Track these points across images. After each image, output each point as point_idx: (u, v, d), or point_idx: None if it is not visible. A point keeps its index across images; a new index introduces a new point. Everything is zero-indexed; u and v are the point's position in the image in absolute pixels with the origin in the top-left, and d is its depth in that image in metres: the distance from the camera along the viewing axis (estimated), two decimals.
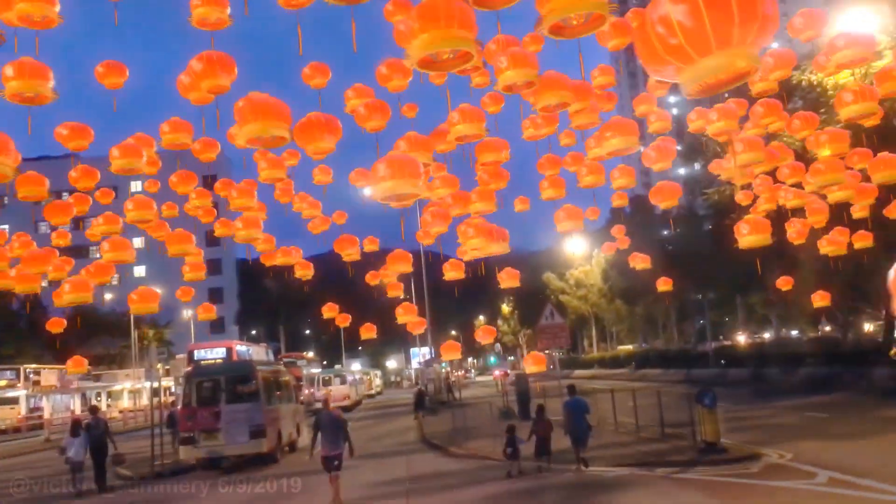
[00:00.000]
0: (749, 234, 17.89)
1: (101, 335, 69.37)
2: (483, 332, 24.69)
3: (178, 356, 27.95)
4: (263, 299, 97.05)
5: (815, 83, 26.23)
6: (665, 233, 49.26)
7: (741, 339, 62.96)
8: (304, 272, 25.19)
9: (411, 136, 14.04)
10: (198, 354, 38.50)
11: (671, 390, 20.34)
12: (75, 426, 16.88)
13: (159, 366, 21.55)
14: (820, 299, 29.21)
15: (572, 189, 18.23)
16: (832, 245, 22.39)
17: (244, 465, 19.54)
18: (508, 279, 22.27)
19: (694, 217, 45.35)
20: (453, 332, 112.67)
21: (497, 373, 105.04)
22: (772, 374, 32.25)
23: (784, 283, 29.83)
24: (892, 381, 25.77)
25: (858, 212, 21.04)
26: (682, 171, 48.36)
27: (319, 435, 12.99)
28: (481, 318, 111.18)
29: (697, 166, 41.74)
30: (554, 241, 71.60)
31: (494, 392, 44.85)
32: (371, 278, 26.49)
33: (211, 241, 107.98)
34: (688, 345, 55.86)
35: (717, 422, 14.80)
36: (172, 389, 58.04)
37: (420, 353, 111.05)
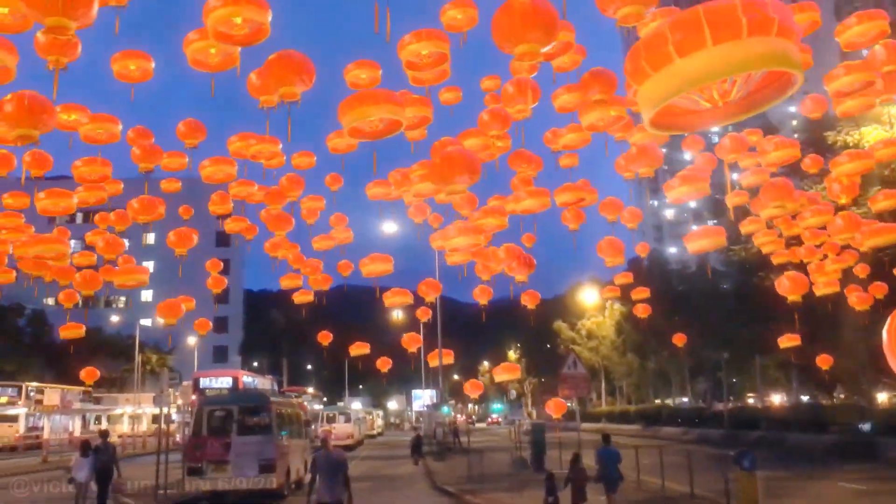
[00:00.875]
0: (791, 291, 17.62)
1: (103, 357, 68.79)
2: (504, 369, 23.99)
3: (184, 383, 27.27)
4: (268, 331, 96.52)
5: (850, 143, 26.04)
6: (681, 288, 48.70)
7: (751, 401, 61.92)
8: (304, 297, 24.64)
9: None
10: (203, 383, 37.98)
11: (698, 449, 19.55)
12: (85, 447, 16.47)
13: (171, 391, 20.90)
14: (823, 362, 28.76)
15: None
16: (859, 299, 21.77)
17: (250, 499, 18.80)
18: (531, 300, 22.18)
19: (714, 274, 44.79)
20: (455, 377, 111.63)
21: (492, 418, 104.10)
22: (794, 438, 31.30)
23: (790, 339, 29.25)
24: None
25: None
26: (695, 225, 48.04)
27: (318, 478, 11.09)
28: (486, 363, 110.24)
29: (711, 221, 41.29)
30: (566, 289, 71.25)
31: (500, 439, 43.94)
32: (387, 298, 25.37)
33: (220, 270, 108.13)
34: (700, 403, 54.86)
35: (756, 487, 14.02)
36: (173, 417, 57.22)
37: (422, 396, 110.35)
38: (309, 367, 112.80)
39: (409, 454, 33.15)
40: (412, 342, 30.61)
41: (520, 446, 27.19)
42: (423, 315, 25.26)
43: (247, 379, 40.52)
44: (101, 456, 16.41)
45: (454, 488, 20.94)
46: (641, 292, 30.46)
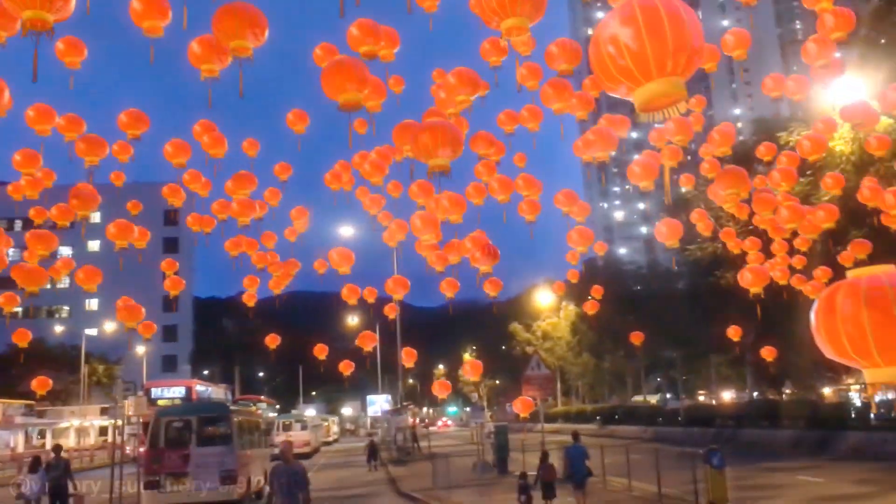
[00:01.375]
0: (753, 283, 17.94)
1: (45, 369, 66.59)
2: (471, 367, 23.73)
3: (138, 394, 26.37)
4: (219, 339, 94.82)
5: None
6: (637, 288, 49.32)
7: (701, 398, 63.05)
8: (250, 298, 24.14)
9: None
10: (155, 393, 36.77)
11: (661, 448, 19.61)
12: (35, 463, 16.21)
13: (126, 402, 20.17)
14: (767, 354, 29.32)
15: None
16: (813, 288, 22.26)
17: None
18: (493, 287, 21.90)
19: (669, 274, 45.46)
20: (410, 381, 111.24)
21: (442, 421, 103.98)
22: (750, 434, 31.82)
23: (735, 332, 29.62)
24: (871, 445, 25.52)
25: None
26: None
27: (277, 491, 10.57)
28: (441, 366, 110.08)
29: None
30: (521, 291, 71.44)
31: (458, 442, 43.68)
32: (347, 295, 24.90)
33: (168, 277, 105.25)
34: (655, 402, 55.57)
35: (725, 484, 14.14)
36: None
37: (377, 401, 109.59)
38: (260, 374, 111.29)
39: (359, 461, 32.74)
40: (368, 340, 30.12)
41: (482, 449, 26.99)
42: (391, 311, 24.77)
43: (200, 388, 39.49)
44: (53, 472, 16.00)
45: (421, 494, 20.67)
46: (597, 291, 30.76)
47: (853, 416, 29.42)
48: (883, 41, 24.92)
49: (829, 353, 5.86)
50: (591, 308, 27.14)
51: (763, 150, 20.13)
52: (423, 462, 33.40)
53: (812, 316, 6.03)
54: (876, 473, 20.63)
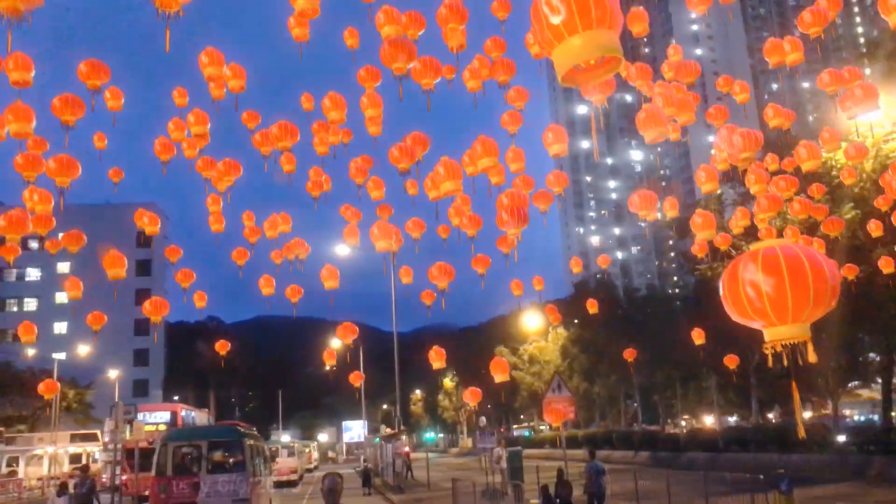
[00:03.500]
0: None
1: (12, 394, 64.06)
2: (471, 395, 22.77)
3: (137, 418, 24.79)
4: (192, 364, 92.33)
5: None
6: (635, 315, 48.67)
7: (690, 423, 62.51)
8: (223, 347, 23.50)
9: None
10: (139, 418, 35.13)
11: (683, 476, 18.84)
12: (63, 487, 17.36)
13: (128, 429, 18.78)
14: (730, 362, 29.04)
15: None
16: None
17: None
18: (437, 358, 21.47)
19: (665, 298, 44.99)
20: (385, 406, 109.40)
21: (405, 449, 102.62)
22: (760, 459, 31.01)
23: (730, 361, 29.33)
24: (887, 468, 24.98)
25: None
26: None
27: None
28: (417, 392, 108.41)
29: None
30: (506, 312, 70.50)
31: (446, 469, 42.28)
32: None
33: (140, 299, 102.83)
34: (650, 426, 54.83)
35: None
36: (96, 456, 53.31)
37: (353, 427, 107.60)
38: (232, 399, 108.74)
39: (350, 489, 31.85)
40: (356, 378, 29.33)
41: (493, 474, 25.89)
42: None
43: (185, 413, 37.89)
44: (80, 489, 17.10)
45: None
46: (592, 305, 30.13)
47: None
48: None
49: (733, 316, 6.51)
50: (591, 306, 26.46)
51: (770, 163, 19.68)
52: (421, 489, 32.20)
53: (720, 284, 6.65)
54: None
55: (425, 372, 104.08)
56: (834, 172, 26.29)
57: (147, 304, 16.37)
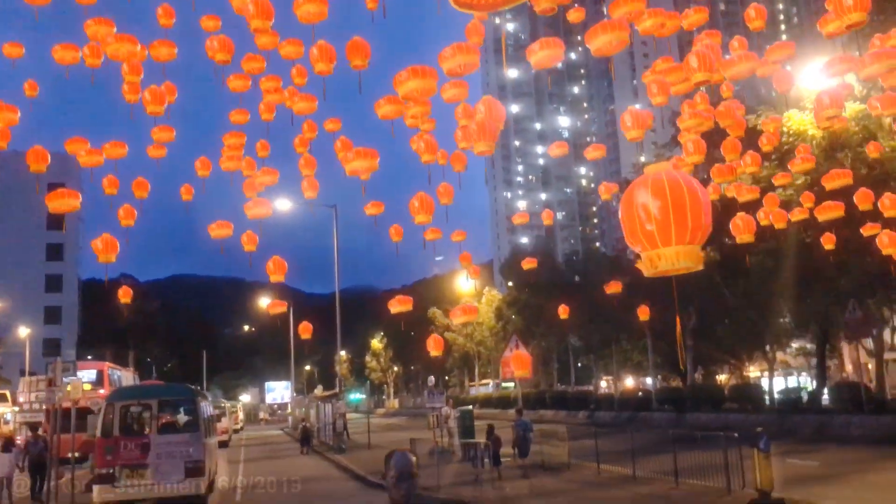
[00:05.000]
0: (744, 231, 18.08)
1: None
2: (462, 311, 22.05)
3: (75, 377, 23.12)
4: (108, 323, 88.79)
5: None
6: (577, 279, 49.02)
7: (603, 384, 64.00)
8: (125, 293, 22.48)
9: None
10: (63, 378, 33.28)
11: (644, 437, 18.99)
12: (6, 444, 17.89)
13: (69, 386, 17.48)
14: (641, 314, 29.60)
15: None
16: None
17: None
18: (400, 305, 21.05)
19: (606, 259, 45.41)
20: (307, 367, 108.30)
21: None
22: (695, 419, 31.83)
23: (642, 313, 29.61)
24: (820, 426, 25.91)
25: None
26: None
27: None
28: (342, 353, 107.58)
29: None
30: (440, 273, 70.35)
31: (380, 431, 41.81)
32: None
33: (51, 255, 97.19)
34: (589, 385, 55.84)
35: (770, 468, 13.32)
36: (7, 417, 50.58)
37: (276, 388, 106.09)
38: (148, 360, 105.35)
39: (285, 449, 34.80)
40: (305, 330, 28.27)
41: (442, 435, 25.59)
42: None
43: (111, 372, 36.15)
44: (33, 449, 17.78)
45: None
46: (530, 262, 29.93)
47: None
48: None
49: (628, 240, 6.83)
50: (519, 290, 25.78)
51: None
52: (360, 449, 31.68)
53: (619, 208, 7.00)
54: (849, 454, 20.66)
55: (350, 333, 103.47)
56: (784, 138, 26.65)
57: (98, 243, 14.89)
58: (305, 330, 25.14)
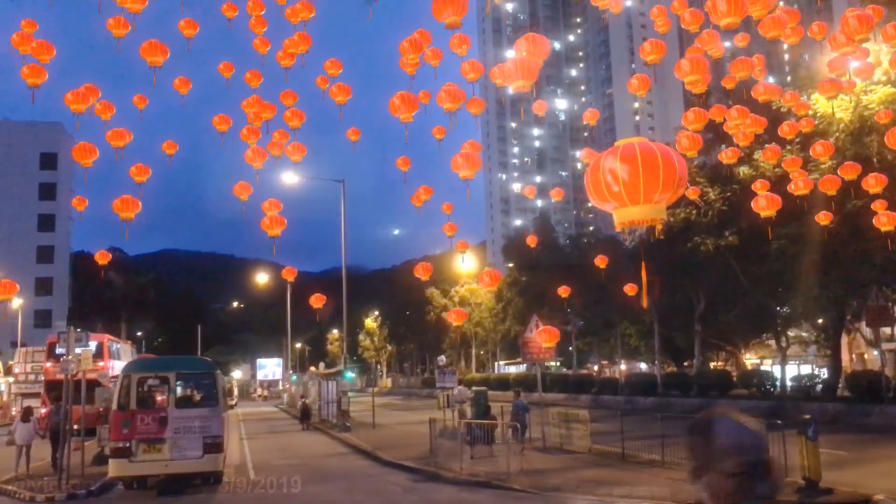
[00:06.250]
0: (767, 208, 17.62)
1: None
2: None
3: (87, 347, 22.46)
4: (100, 295, 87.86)
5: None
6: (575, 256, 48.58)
7: (603, 369, 63.92)
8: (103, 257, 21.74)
9: None
10: (59, 349, 32.61)
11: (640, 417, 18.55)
12: (26, 413, 18.63)
13: (81, 356, 16.87)
14: (629, 290, 29.16)
15: None
16: None
17: (182, 483, 15.49)
18: (425, 273, 21.47)
19: (613, 241, 44.94)
20: (298, 345, 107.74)
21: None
22: (702, 404, 31.54)
23: (630, 289, 29.11)
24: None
25: None
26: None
27: None
28: (335, 332, 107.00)
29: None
30: (439, 252, 69.67)
31: (363, 409, 41.30)
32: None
33: (43, 226, 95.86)
34: (583, 370, 55.58)
35: (818, 456, 12.93)
36: (1, 388, 49.94)
37: (267, 365, 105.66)
38: (139, 333, 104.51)
39: (285, 425, 35.33)
40: (318, 300, 27.66)
41: (453, 415, 25.13)
42: (289, 274, 22.15)
43: (110, 344, 35.55)
44: (55, 418, 18.55)
45: (415, 463, 18.64)
46: (532, 240, 29.64)
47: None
48: None
49: (593, 200, 7.64)
50: (520, 271, 24.87)
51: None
52: (364, 428, 31.24)
53: (585, 176, 7.68)
54: (876, 443, 20.38)
55: (334, 313, 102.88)
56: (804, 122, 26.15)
57: (118, 202, 14.07)
58: (318, 300, 24.56)
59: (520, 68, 10.12)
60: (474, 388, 25.80)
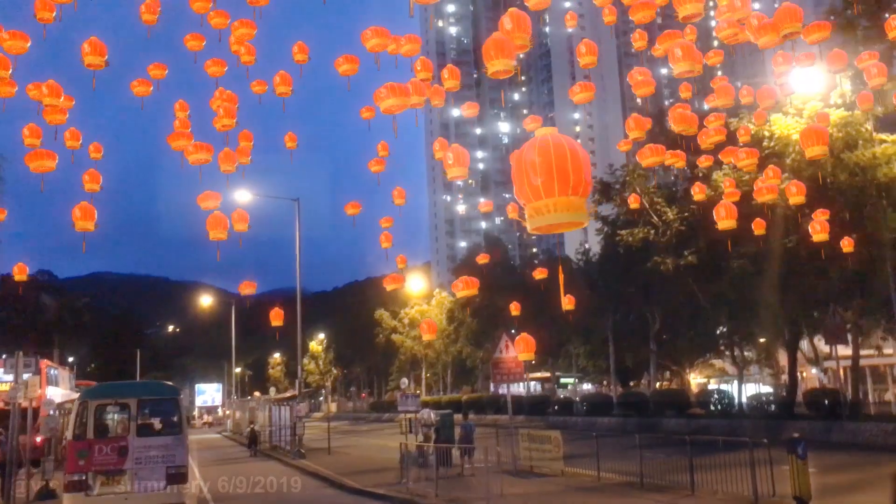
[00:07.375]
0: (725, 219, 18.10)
1: None
2: (464, 283, 20.71)
3: (33, 375, 21.15)
4: (27, 320, 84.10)
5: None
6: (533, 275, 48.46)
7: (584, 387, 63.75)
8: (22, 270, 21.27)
9: None
10: (7, 375, 30.73)
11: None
12: None
13: (28, 382, 15.74)
14: (566, 303, 29.20)
15: None
16: None
17: None
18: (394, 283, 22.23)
19: (566, 261, 45.04)
20: (237, 370, 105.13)
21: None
22: (665, 424, 31.63)
23: (569, 302, 29.01)
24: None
25: None
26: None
27: None
28: (277, 355, 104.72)
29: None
30: (372, 276, 68.80)
31: (319, 434, 40.25)
32: None
33: None
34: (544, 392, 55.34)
35: (808, 474, 12.85)
36: None
37: (206, 391, 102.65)
38: (71, 359, 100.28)
39: (234, 452, 34.61)
40: (276, 317, 26.75)
41: (416, 439, 24.48)
42: (247, 288, 21.50)
43: (48, 370, 33.70)
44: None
45: (386, 490, 17.96)
46: (483, 258, 29.41)
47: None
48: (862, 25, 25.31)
49: (517, 193, 7.62)
50: (472, 287, 23.13)
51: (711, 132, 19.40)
52: (322, 455, 30.26)
53: (511, 166, 7.79)
54: (843, 460, 20.52)
55: (283, 335, 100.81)
56: (765, 143, 26.68)
57: (77, 210, 13.15)
58: (277, 316, 23.76)
59: (499, 48, 9.96)
60: (441, 411, 25.25)
